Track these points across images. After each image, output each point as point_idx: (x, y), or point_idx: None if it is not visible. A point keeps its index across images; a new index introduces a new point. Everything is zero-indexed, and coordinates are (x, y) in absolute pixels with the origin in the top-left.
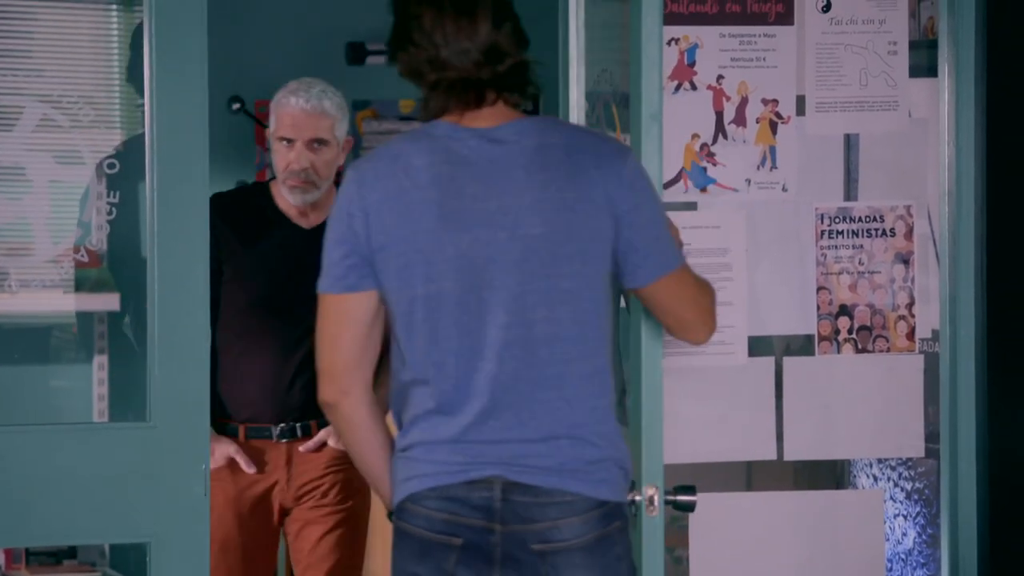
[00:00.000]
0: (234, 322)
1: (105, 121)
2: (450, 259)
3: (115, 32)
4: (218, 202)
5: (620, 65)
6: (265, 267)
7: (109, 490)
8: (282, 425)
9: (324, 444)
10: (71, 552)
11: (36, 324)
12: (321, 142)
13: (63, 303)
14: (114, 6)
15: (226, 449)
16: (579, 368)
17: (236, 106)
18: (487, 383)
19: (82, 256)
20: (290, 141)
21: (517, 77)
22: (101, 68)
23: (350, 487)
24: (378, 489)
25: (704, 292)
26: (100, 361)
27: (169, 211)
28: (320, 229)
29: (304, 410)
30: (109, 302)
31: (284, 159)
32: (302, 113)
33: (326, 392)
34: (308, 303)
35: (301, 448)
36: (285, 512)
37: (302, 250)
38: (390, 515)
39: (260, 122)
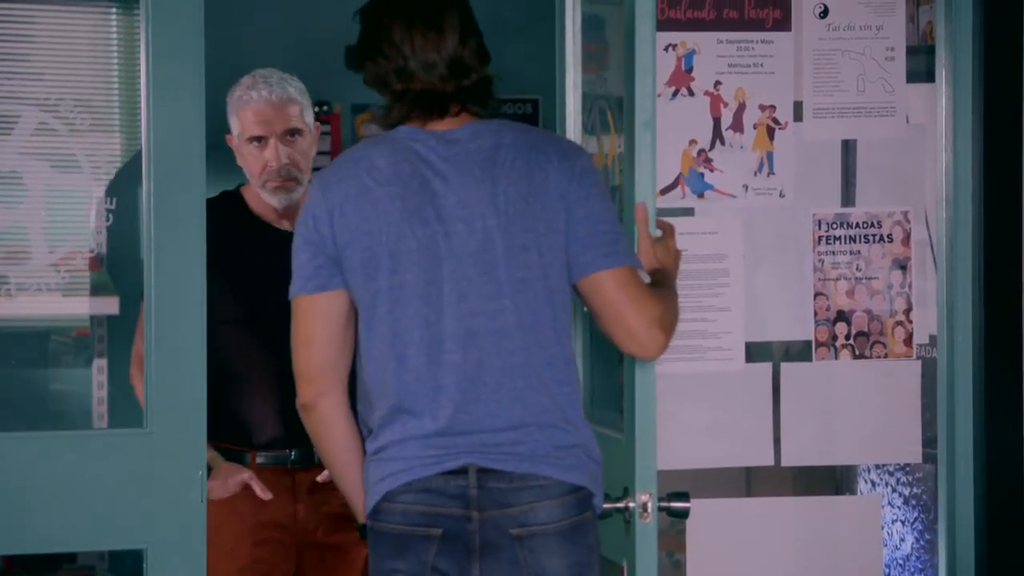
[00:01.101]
0: (230, 340)
1: (104, 126)
2: (411, 252)
3: (114, 36)
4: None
5: (615, 70)
6: (250, 277)
7: (106, 496)
8: (298, 450)
9: None
10: (70, 556)
11: (35, 328)
12: (295, 132)
13: (62, 307)
14: (113, 10)
15: (240, 476)
16: (540, 356)
17: None
18: (452, 374)
19: (79, 261)
20: (261, 139)
21: (480, 91)
22: (100, 72)
23: None
24: (350, 496)
25: (658, 303)
26: (99, 365)
27: (166, 216)
28: None
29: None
30: (108, 306)
31: (258, 161)
32: (268, 106)
33: (304, 394)
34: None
35: (319, 478)
36: (305, 544)
37: (285, 255)
38: (361, 528)
39: None
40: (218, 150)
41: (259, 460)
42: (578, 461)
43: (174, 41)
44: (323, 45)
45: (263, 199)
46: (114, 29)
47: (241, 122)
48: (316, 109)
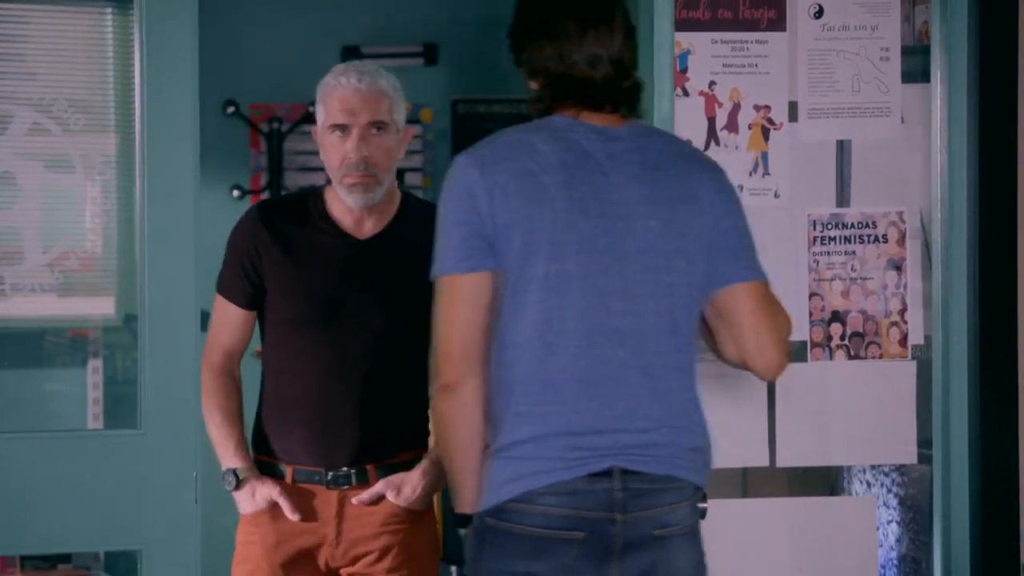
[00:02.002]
0: (279, 347)
1: (98, 126)
2: (572, 242)
3: (109, 36)
4: (264, 211)
5: None
6: (314, 284)
7: (100, 497)
8: (335, 471)
9: (382, 497)
10: (66, 556)
11: (30, 329)
12: (380, 126)
13: (57, 308)
14: (109, 10)
15: (269, 491)
16: (677, 360)
17: (231, 109)
18: (599, 370)
19: (73, 262)
20: (344, 129)
21: (635, 95)
22: (95, 72)
23: (408, 550)
24: (462, 488)
25: (783, 320)
26: (95, 365)
27: (158, 217)
28: (378, 240)
29: (367, 452)
30: (103, 307)
31: (338, 152)
32: (356, 94)
33: (447, 374)
34: (362, 326)
35: (355, 500)
36: (331, 572)
37: (357, 264)
38: (464, 520)
39: (254, 125)
40: (217, 150)
41: (296, 476)
42: (704, 464)
43: (167, 42)
44: (319, 44)
45: (340, 198)
46: (109, 29)
47: (326, 109)
48: (312, 109)
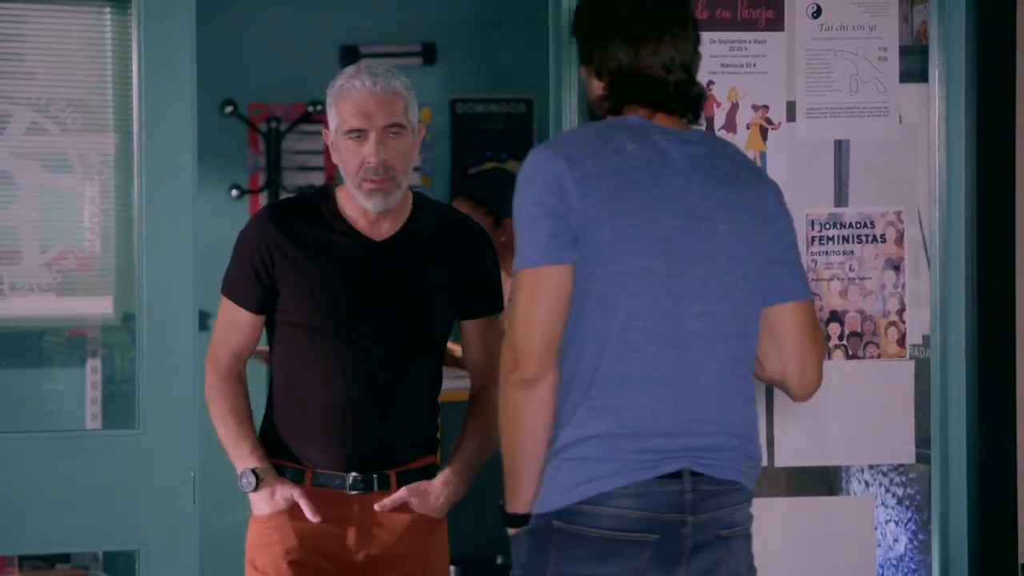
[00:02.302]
0: (293, 350)
1: (97, 126)
2: (658, 241)
3: (108, 35)
4: (276, 212)
5: None
6: (330, 287)
7: (98, 497)
8: (355, 474)
9: (403, 504)
10: (64, 556)
11: (29, 329)
12: (398, 128)
13: (56, 307)
14: (107, 9)
15: (289, 491)
16: (742, 368)
17: (229, 109)
18: (675, 372)
19: (71, 262)
20: (361, 133)
21: (699, 103)
22: (94, 72)
23: (425, 558)
24: (522, 487)
25: (823, 343)
26: (93, 365)
27: (156, 217)
28: (394, 242)
29: (383, 457)
30: (102, 306)
31: (356, 157)
32: (371, 97)
33: (529, 369)
34: (380, 328)
35: (377, 506)
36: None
37: (375, 267)
38: (517, 520)
39: (253, 125)
40: (216, 149)
41: (316, 480)
42: (756, 472)
43: (165, 41)
44: (318, 44)
45: (357, 202)
46: (108, 29)
47: (340, 113)
48: (310, 109)
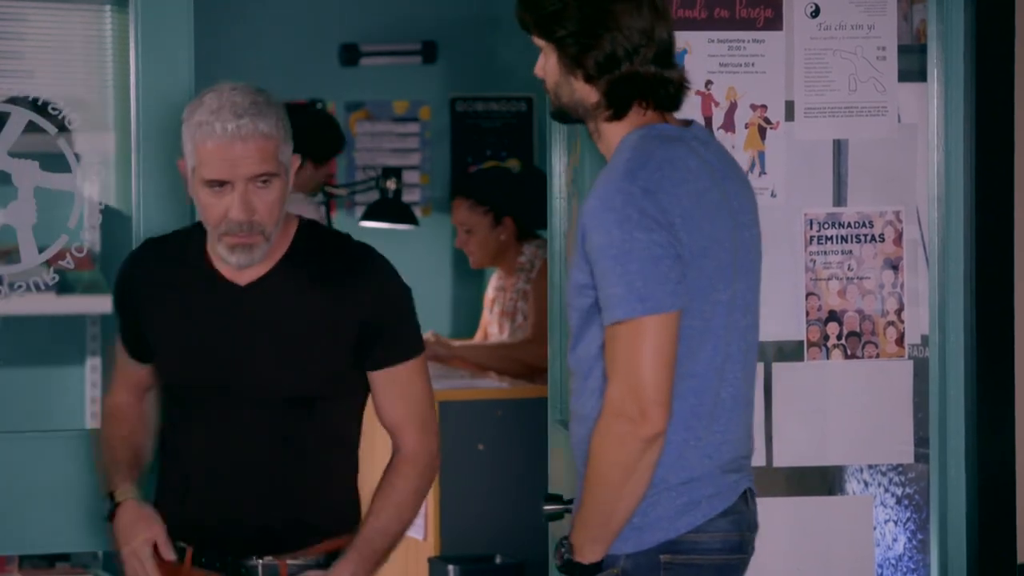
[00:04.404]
0: (168, 416)
1: (97, 125)
2: (732, 265)
3: (108, 33)
4: (144, 253)
5: None
6: (193, 343)
7: (94, 497)
8: (241, 563)
9: None
10: (64, 555)
11: (29, 327)
12: (267, 177)
13: (56, 306)
14: (107, 6)
15: (155, 529)
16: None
17: None
18: (745, 393)
19: (68, 262)
20: (222, 184)
21: (682, 96)
22: (94, 70)
23: None
24: (611, 537)
25: None
26: (93, 363)
27: (154, 216)
28: (263, 285)
29: (274, 540)
30: (101, 304)
31: (217, 209)
32: (235, 143)
33: (660, 422)
34: (258, 387)
35: None
36: None
37: (240, 315)
38: (592, 569)
39: None
40: None
41: (195, 559)
42: None
43: (163, 39)
44: (317, 42)
45: (217, 251)
46: (108, 27)
47: (199, 155)
48: (310, 107)
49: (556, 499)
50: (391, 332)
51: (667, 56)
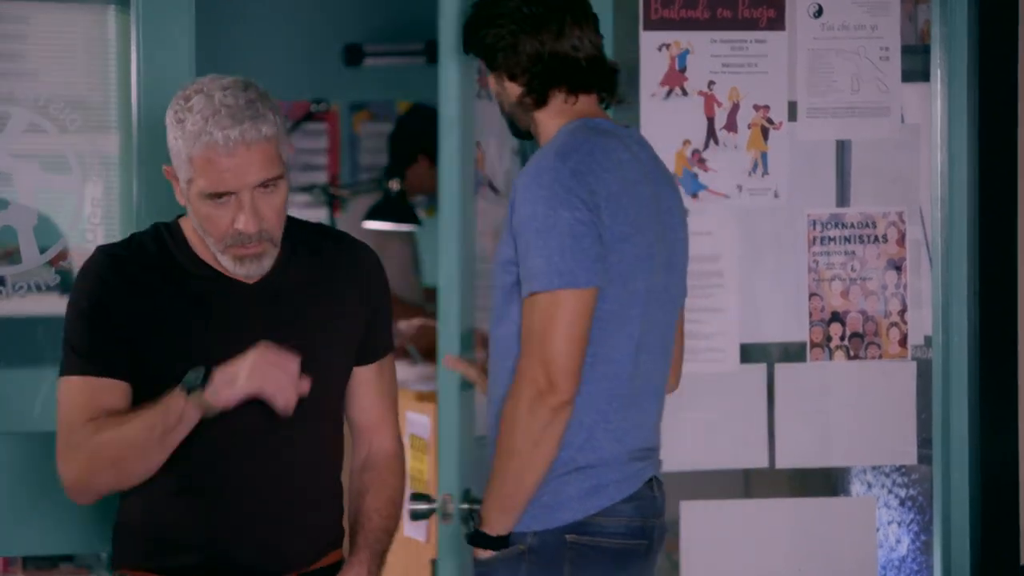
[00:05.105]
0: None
1: (100, 124)
2: (654, 257)
3: (111, 33)
4: (112, 260)
5: None
6: (200, 347)
7: None
8: None
9: None
10: (67, 555)
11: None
12: (273, 181)
13: (59, 306)
14: (111, 7)
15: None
16: (669, 370)
17: None
18: (659, 383)
19: (70, 262)
20: (227, 196)
21: (612, 80)
22: (97, 70)
23: None
24: (516, 510)
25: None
26: None
27: (155, 217)
28: (272, 281)
29: (273, 560)
30: None
31: (222, 221)
32: (239, 149)
33: (567, 391)
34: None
35: None
36: None
37: (251, 315)
38: (500, 541)
39: None
40: None
41: None
42: None
43: (164, 40)
44: (321, 42)
45: (221, 262)
46: (112, 27)
47: (195, 166)
48: (313, 108)
49: (424, 498)
50: (382, 323)
51: (580, 43)
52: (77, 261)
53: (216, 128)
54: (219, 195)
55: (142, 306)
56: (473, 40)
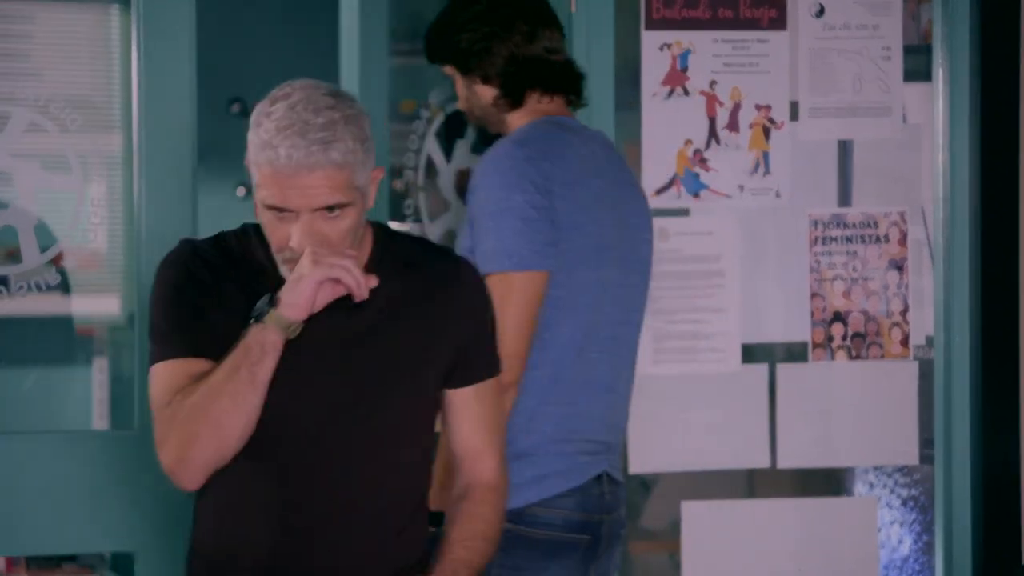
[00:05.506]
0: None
1: (103, 124)
2: (610, 249)
3: (114, 33)
4: (198, 249)
5: None
6: (290, 357)
7: (94, 498)
8: None
9: None
10: (71, 555)
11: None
12: (338, 208)
13: (62, 306)
14: (114, 6)
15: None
16: (634, 372)
17: (235, 107)
18: (607, 377)
19: (71, 262)
20: (284, 212)
21: (580, 84)
22: (100, 70)
23: None
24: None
25: None
26: (100, 364)
27: (155, 217)
28: (348, 300)
29: None
30: (109, 305)
31: (279, 233)
32: (300, 172)
33: (516, 372)
34: (351, 414)
35: None
36: None
37: (320, 334)
38: (436, 515)
39: None
40: (222, 148)
41: None
42: None
43: (165, 39)
44: (325, 41)
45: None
46: (114, 26)
47: (259, 175)
48: None
49: None
50: (480, 345)
51: (551, 47)
52: (77, 261)
53: (282, 144)
54: (278, 209)
55: (221, 299)
56: (443, 46)
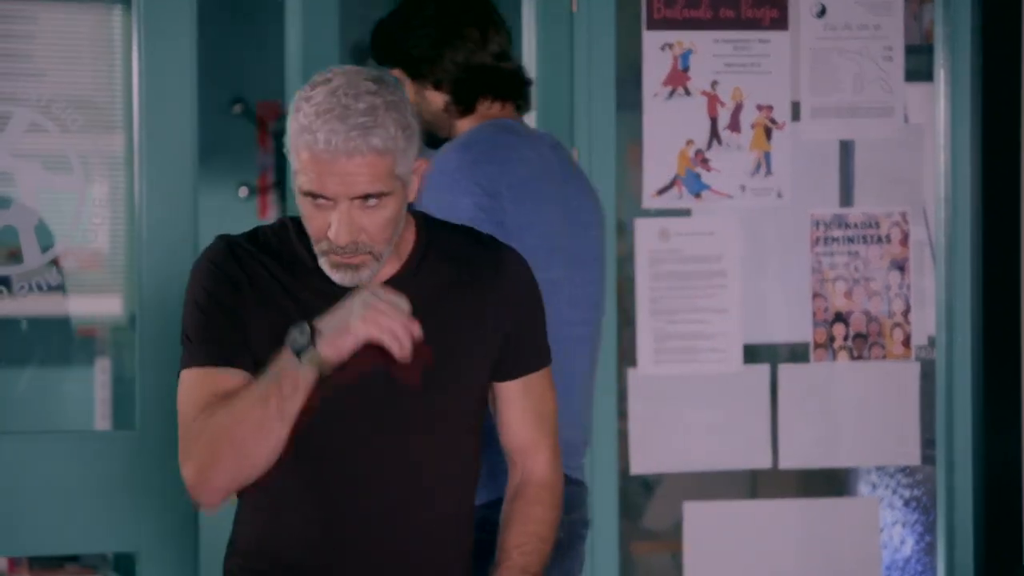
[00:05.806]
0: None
1: (105, 124)
2: (562, 249)
3: (116, 33)
4: (234, 248)
5: None
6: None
7: (96, 498)
8: None
9: None
10: (73, 555)
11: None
12: (378, 197)
13: (64, 307)
14: (116, 6)
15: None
16: (595, 370)
17: (237, 107)
18: (570, 379)
19: (72, 262)
20: (322, 199)
21: (527, 90)
22: (102, 70)
23: None
24: None
25: None
26: (102, 365)
27: (156, 217)
28: (396, 283)
29: None
30: (111, 306)
31: (317, 222)
32: (340, 158)
33: None
34: (393, 414)
35: None
36: None
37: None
38: None
39: (262, 123)
40: (224, 147)
41: None
42: None
43: (166, 39)
44: (327, 41)
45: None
46: (117, 27)
47: (299, 157)
48: None
49: None
50: (530, 335)
51: (500, 53)
52: (78, 261)
53: (322, 129)
54: (315, 196)
55: (257, 297)
56: (392, 51)
